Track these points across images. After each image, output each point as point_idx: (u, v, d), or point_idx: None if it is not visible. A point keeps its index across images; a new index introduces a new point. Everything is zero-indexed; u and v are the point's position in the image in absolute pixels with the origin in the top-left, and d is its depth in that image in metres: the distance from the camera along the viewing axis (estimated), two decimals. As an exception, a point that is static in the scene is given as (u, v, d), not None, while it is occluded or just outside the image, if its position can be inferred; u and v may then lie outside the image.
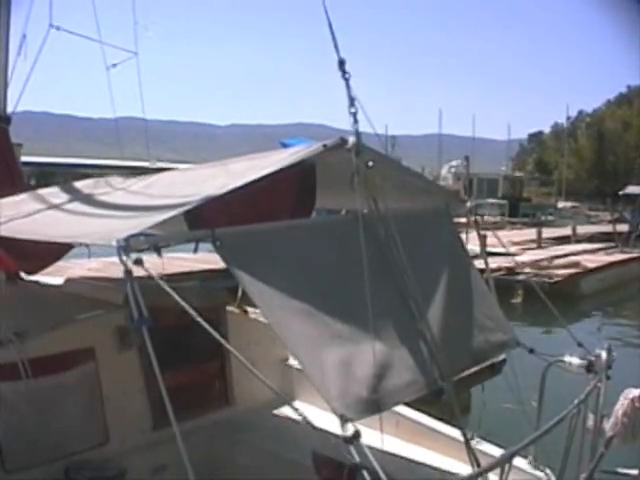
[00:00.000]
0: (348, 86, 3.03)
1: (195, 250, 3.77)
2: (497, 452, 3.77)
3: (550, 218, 43.35)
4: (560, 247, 24.75)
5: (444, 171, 49.14)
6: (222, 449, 4.46)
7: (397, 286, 3.13)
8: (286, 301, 2.78)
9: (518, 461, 3.50)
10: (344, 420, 2.50)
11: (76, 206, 3.94)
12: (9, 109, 5.91)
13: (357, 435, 2.44)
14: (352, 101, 3.03)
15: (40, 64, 5.97)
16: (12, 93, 5.93)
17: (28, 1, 5.85)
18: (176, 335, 4.04)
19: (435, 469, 4.04)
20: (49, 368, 3.95)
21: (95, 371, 4.18)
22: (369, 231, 3.01)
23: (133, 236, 2.57)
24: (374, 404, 2.74)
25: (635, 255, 23.35)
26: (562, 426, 3.14)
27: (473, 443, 3.32)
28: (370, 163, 3.02)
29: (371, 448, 2.50)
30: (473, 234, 4.41)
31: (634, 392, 3.36)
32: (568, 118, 79.53)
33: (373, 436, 3.13)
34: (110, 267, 6.91)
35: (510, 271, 15.99)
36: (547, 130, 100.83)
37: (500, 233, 9.07)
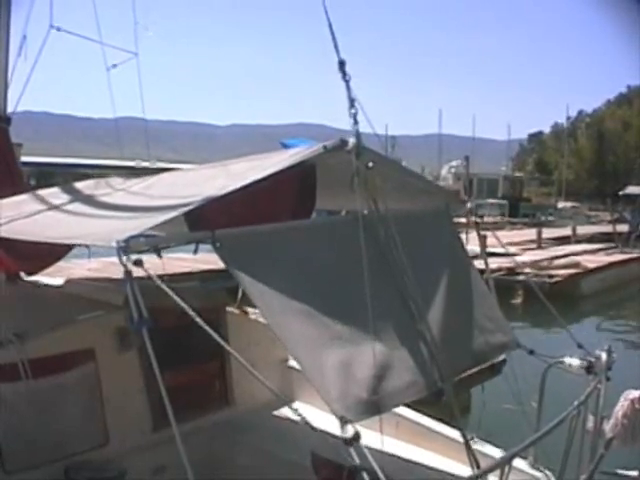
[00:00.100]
0: (348, 87, 3.04)
1: (195, 251, 3.77)
2: (497, 453, 3.77)
3: (550, 218, 43.36)
4: (560, 247, 24.75)
5: (444, 171, 49.17)
6: (222, 450, 4.46)
7: (397, 287, 3.13)
8: (286, 302, 2.78)
9: (518, 462, 3.50)
10: (344, 422, 2.50)
11: (76, 207, 3.94)
12: (9, 109, 5.92)
13: (357, 437, 2.44)
14: (352, 102, 3.03)
15: (40, 64, 5.97)
16: (12, 93, 5.94)
17: (28, 1, 5.86)
18: (176, 336, 4.03)
19: (435, 470, 4.04)
20: (49, 369, 3.95)
21: (95, 372, 4.17)
22: (369, 232, 3.01)
23: (133, 237, 2.58)
24: (374, 405, 2.74)
25: (635, 255, 23.35)
26: (562, 427, 3.14)
27: (473, 444, 3.32)
28: (370, 164, 3.02)
29: (371, 449, 2.50)
30: (473, 234, 4.41)
31: (634, 393, 3.36)
32: (568, 118, 79.60)
33: (373, 437, 3.14)
34: (110, 267, 6.92)
35: (510, 271, 15.98)
36: (547, 130, 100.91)
37: (500, 233, 9.07)
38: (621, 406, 3.35)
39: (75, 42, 7.39)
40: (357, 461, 2.39)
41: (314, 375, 2.70)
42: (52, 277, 5.58)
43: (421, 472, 4.04)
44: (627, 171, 72.32)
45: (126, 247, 2.50)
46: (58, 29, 6.18)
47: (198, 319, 2.50)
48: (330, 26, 3.12)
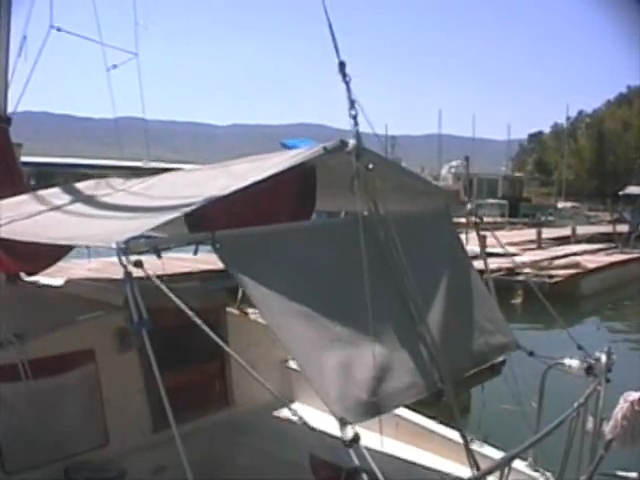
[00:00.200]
0: (348, 89, 3.04)
1: (195, 252, 3.77)
2: (496, 454, 3.77)
3: (550, 218, 43.36)
4: (560, 247, 24.74)
5: (444, 171, 49.14)
6: (222, 450, 4.46)
7: (397, 288, 3.13)
8: (286, 304, 2.78)
9: (517, 463, 3.50)
10: (343, 423, 2.50)
11: (77, 207, 3.94)
12: (9, 109, 5.92)
13: (357, 438, 2.44)
14: (352, 104, 3.03)
15: (40, 64, 5.98)
16: (12, 93, 5.94)
17: (28, 2, 5.86)
18: (176, 336, 4.03)
19: (435, 471, 4.04)
20: (49, 369, 3.95)
21: (95, 372, 4.18)
22: (369, 233, 3.01)
23: (133, 238, 2.58)
24: (374, 407, 2.74)
25: (635, 255, 23.34)
26: (562, 429, 3.14)
27: (473, 445, 3.32)
28: (370, 166, 3.02)
29: (370, 450, 2.50)
30: (473, 234, 4.41)
31: (634, 395, 3.36)
32: (568, 118, 79.52)
33: (373, 438, 3.14)
34: (110, 267, 6.91)
35: (510, 271, 15.97)
36: (547, 130, 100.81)
37: (500, 233, 9.07)
38: (620, 408, 3.35)
39: (75, 42, 7.40)
40: (357, 462, 2.40)
41: (314, 376, 2.70)
42: (52, 277, 5.58)
43: (421, 473, 4.04)
44: (627, 171, 72.26)
45: (126, 248, 2.50)
46: (58, 29, 6.19)
47: (198, 320, 2.50)
48: (330, 26, 3.12)
